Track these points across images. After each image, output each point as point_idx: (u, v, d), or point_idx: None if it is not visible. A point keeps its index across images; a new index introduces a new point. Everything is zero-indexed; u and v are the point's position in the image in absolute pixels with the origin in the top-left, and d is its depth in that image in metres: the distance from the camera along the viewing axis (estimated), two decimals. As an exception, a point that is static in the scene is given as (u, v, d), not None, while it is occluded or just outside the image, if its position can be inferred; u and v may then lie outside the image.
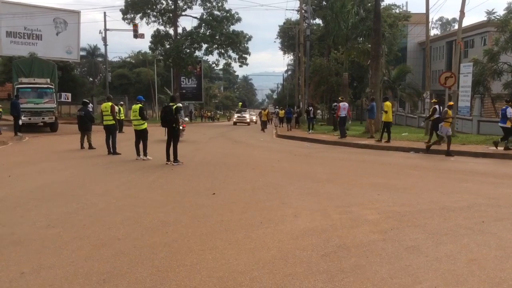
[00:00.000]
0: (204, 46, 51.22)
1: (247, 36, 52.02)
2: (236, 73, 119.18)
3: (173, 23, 50.66)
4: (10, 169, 10.88)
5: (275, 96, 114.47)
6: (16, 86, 24.57)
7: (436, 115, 16.94)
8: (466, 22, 32.88)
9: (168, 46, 50.02)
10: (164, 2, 49.84)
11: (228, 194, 7.99)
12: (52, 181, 9.40)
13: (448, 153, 14.48)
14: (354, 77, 44.86)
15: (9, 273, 4.19)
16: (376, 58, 23.79)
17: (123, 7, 48.27)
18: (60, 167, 11.61)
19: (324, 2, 48.90)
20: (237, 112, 54.04)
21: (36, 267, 4.35)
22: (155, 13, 50.27)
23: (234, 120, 50.90)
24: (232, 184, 9.08)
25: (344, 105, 21.94)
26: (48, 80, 26.37)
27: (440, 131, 15.03)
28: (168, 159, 12.12)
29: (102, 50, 50.26)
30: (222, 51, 51.94)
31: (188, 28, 51.25)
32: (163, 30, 51.08)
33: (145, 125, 13.19)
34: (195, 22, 50.78)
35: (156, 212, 6.55)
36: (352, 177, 10.26)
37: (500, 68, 31.15)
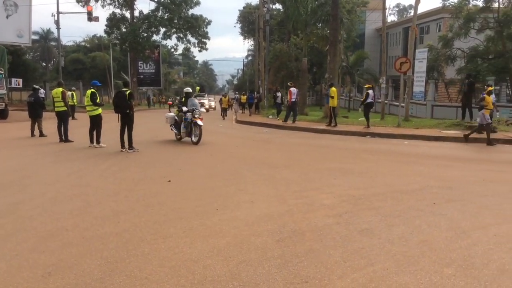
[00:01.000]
0: (162, 30, 50.35)
1: (207, 20, 51.41)
2: (196, 58, 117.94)
3: (130, 5, 49.37)
4: (-47, 159, 10.32)
5: (235, 81, 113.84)
6: (-38, 72, 23.36)
7: (369, 100, 18.19)
8: (422, 9, 33.73)
9: (124, 30, 48.79)
10: (120, -16, 48.48)
11: (184, 181, 7.85)
12: (-1, 170, 8.97)
13: (490, 142, 13.50)
14: (313, 62, 45.15)
15: None
16: (334, 44, 23.94)
17: (77, -11, 46.58)
18: (8, 155, 11.11)
19: (283, -13, 48.78)
20: (195, 98, 49.90)
21: (-24, 261, 4.12)
22: (110, -5, 48.82)
23: None
24: (189, 171, 8.94)
25: (294, 90, 22.71)
26: (-3, 65, 25.19)
27: (480, 120, 13.84)
28: (122, 146, 11.82)
29: (55, 34, 48.27)
30: (181, 35, 51.19)
31: (145, 11, 50.16)
32: (119, 13, 49.80)
33: (98, 111, 12.78)
34: (152, 5, 49.79)
35: (107, 201, 6.35)
36: (309, 162, 10.31)
37: (453, 54, 31.99)
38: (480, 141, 14.10)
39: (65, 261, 4.12)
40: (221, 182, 7.81)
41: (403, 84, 20.73)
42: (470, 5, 30.58)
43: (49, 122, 16.49)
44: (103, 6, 49.82)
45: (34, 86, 16.97)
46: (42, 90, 20.57)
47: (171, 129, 14.45)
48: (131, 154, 11.25)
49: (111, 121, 12.88)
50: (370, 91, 18.47)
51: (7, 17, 41.39)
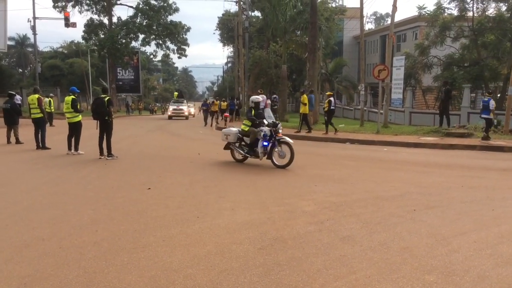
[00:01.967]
0: (141, 36, 50.00)
1: (186, 27, 51.29)
2: (175, 65, 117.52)
3: (108, 12, 48.94)
4: None
5: (215, 88, 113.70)
6: None
7: (332, 107, 18.82)
8: (399, 17, 34.27)
9: (102, 36, 48.27)
10: (97, -10, 48.03)
11: (164, 189, 7.76)
12: (-28, 178, 8.73)
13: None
14: (293, 69, 45.41)
15: None
16: (313, 51, 24.10)
17: (54, -6, 46.00)
18: (-17, 163, 10.83)
19: (262, -6, 49.01)
20: (173, 104, 43.78)
21: None
22: (88, 1, 48.38)
23: (169, 113, 41.77)
24: (169, 178, 8.83)
25: (262, 97, 22.88)
26: (-29, 70, 24.62)
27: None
28: (101, 153, 11.65)
29: (32, 39, 47.55)
30: (160, 42, 50.97)
31: (124, 18, 49.78)
32: (97, 19, 49.32)
33: (78, 118, 12.61)
34: (130, 12, 49.78)
35: (85, 210, 6.21)
36: (290, 168, 10.29)
37: (430, 61, 32.57)
38: (457, 147, 14.33)
39: (41, 272, 4.00)
40: (201, 189, 7.74)
41: (381, 91, 20.95)
42: (446, 14, 31.20)
43: (26, 129, 16.16)
44: (80, 12, 49.31)
45: (10, 92, 16.62)
46: (18, 97, 20.17)
47: (234, 148, 11.09)
48: (110, 161, 11.09)
49: (89, 128, 12.71)
50: (332, 99, 19.00)
51: (-18, 22, 40.59)
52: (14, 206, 6.44)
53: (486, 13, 30.15)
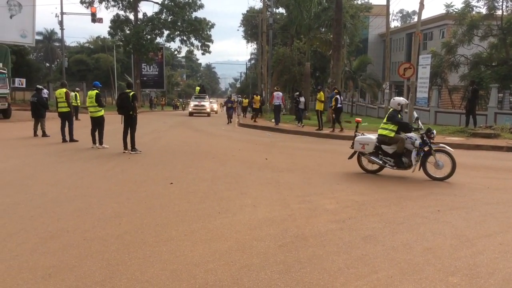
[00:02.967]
0: (166, 32, 50.40)
1: (210, 23, 51.44)
2: (199, 61, 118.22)
3: (134, 8, 49.41)
4: (-45, 157, 10.30)
5: (238, 85, 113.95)
6: (-34, 71, 23.34)
7: (339, 105, 18.84)
8: (426, 15, 33.70)
9: (128, 32, 48.78)
10: (124, -14, 48.56)
11: (186, 184, 7.81)
12: (1, 169, 8.93)
13: None
14: (316, 67, 45.13)
15: None
16: (338, 49, 23.92)
17: (81, -10, 46.70)
18: (11, 155, 11.08)
19: (287, -9, 48.83)
20: (195, 99, 40.28)
21: (-24, 261, 4.08)
22: (114, -3, 48.89)
23: (190, 109, 38.76)
24: (191, 174, 8.89)
25: (278, 94, 23.95)
26: (1, 64, 25.20)
27: None
28: (125, 147, 11.79)
29: (59, 34, 48.40)
30: (184, 38, 51.23)
31: (149, 14, 50.22)
32: (123, 15, 49.81)
33: (101, 113, 12.81)
34: (156, 8, 49.92)
35: (109, 203, 6.31)
36: (312, 166, 10.26)
37: (457, 60, 32.00)
38: (483, 148, 14.04)
39: (65, 263, 4.08)
40: (223, 185, 7.77)
41: (406, 89, 20.64)
42: (474, 12, 30.60)
43: (52, 123, 16.49)
44: (107, 8, 49.87)
45: (37, 86, 16.98)
46: (45, 91, 20.59)
47: (368, 158, 9.32)
48: (134, 156, 11.22)
49: (114, 122, 12.88)
50: (338, 96, 19.02)
51: (11, 17, 41.45)
52: (39, 198, 6.57)
53: (516, 12, 29.47)
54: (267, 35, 37.05)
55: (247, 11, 62.23)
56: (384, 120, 9.31)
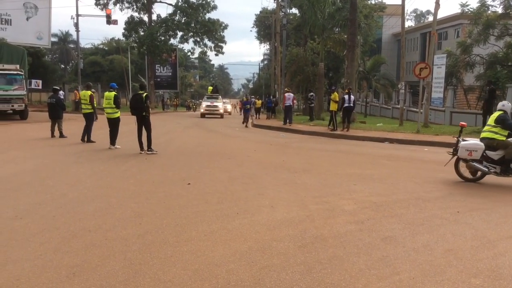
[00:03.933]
0: (179, 33, 50.74)
1: (223, 25, 51.68)
2: (211, 62, 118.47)
3: (148, 9, 49.83)
4: (-24, 158, 10.48)
5: (251, 85, 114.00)
6: (-16, 73, 23.67)
7: (346, 104, 19.05)
8: (440, 14, 33.44)
9: (142, 33, 49.23)
10: (138, -12, 48.99)
11: (203, 184, 7.85)
12: (21, 170, 9.07)
13: None
14: (330, 67, 44.99)
15: (-27, 268, 3.98)
16: (352, 49, 23.86)
17: (96, -8, 47.20)
18: (29, 156, 11.23)
19: (300, -8, 48.74)
20: (207, 100, 37.96)
21: (2, 260, 4.16)
22: (129, -1, 49.35)
23: (202, 110, 36.47)
24: (208, 174, 8.93)
25: (289, 95, 24.37)
26: (18, 66, 25.50)
27: None
28: (141, 148, 11.90)
29: (74, 36, 48.79)
30: (198, 39, 51.52)
31: (163, 15, 50.72)
32: (137, 17, 50.28)
33: (118, 114, 12.94)
34: (170, 9, 50.34)
35: (129, 203, 6.37)
36: (328, 167, 10.24)
37: (472, 60, 31.63)
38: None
39: (89, 262, 4.13)
40: (240, 186, 7.80)
41: (422, 90, 20.51)
42: (489, 12, 30.21)
43: (69, 123, 16.67)
44: (121, 10, 50.36)
45: (54, 87, 17.18)
46: (61, 92, 20.84)
47: (473, 166, 8.35)
48: (150, 156, 11.31)
49: (129, 123, 12.98)
50: (346, 96, 19.16)
51: (27, 19, 42.08)
52: (60, 198, 6.66)
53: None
54: (280, 36, 37.03)
55: (260, 12, 62.34)
56: (492, 123, 8.52)
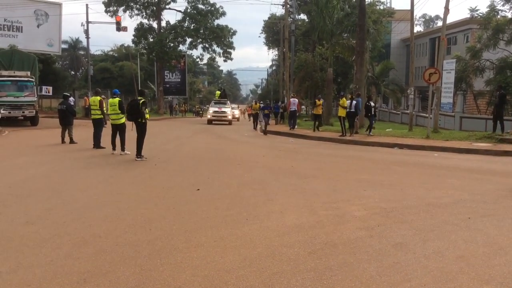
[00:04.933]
0: (188, 40, 51.04)
1: (232, 31, 51.83)
2: (220, 68, 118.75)
3: (157, 16, 50.20)
4: (-12, 164, 10.58)
5: (259, 91, 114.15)
6: (-5, 79, 23.95)
7: (352, 109, 19.28)
8: (450, 19, 33.18)
9: (151, 40, 49.60)
10: (147, -5, 49.39)
11: (213, 190, 7.86)
12: (31, 176, 9.15)
13: None
14: (338, 72, 44.92)
15: (-15, 273, 4.01)
16: (361, 54, 23.82)
17: (106, 0, 47.60)
18: (40, 161, 11.33)
19: (309, -3, 48.80)
20: (214, 105, 35.79)
21: (13, 266, 4.19)
22: (138, 6, 49.76)
23: (209, 116, 34.52)
24: (217, 180, 8.95)
25: (294, 100, 25.19)
26: (29, 73, 25.81)
27: None
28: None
29: (84, 43, 49.56)
30: (207, 45, 51.74)
31: (172, 22, 51.05)
32: (146, 24, 50.68)
33: (123, 120, 13.01)
34: (179, 16, 50.58)
35: (139, 209, 6.40)
36: (338, 173, 10.22)
37: (482, 65, 31.49)
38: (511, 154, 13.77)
39: (99, 268, 4.15)
40: (249, 191, 7.80)
41: (431, 95, 20.40)
42: (499, 16, 30.11)
43: (79, 129, 16.78)
44: (131, 17, 50.86)
45: (65, 93, 17.34)
46: (71, 98, 20.99)
47: None
48: (160, 162, 11.34)
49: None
50: (354, 101, 19.30)
51: (38, 26, 42.63)
52: (71, 204, 6.70)
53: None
54: (289, 41, 37.10)
55: (268, 18, 62.42)
56: None
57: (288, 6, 37.02)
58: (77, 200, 6.96)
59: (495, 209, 6.72)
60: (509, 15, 29.62)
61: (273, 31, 61.66)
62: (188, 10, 49.31)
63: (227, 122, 33.84)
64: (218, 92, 41.60)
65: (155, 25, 50.76)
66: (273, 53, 76.74)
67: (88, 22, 39.90)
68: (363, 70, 25.04)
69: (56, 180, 8.74)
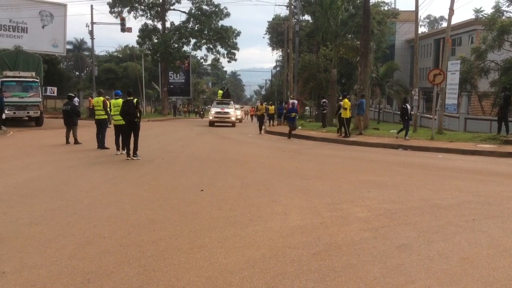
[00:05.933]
0: (193, 41, 51.12)
1: (236, 32, 51.89)
2: (224, 69, 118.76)
3: (161, 17, 50.31)
4: (-7, 164, 10.62)
5: (263, 92, 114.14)
6: (0, 80, 24.06)
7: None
8: (454, 20, 33.13)
9: (156, 41, 49.70)
10: (152, -5, 49.53)
11: (216, 191, 7.87)
12: (36, 176, 9.19)
13: None
14: (342, 73, 44.85)
15: (-10, 273, 4.03)
16: (365, 55, 23.77)
17: (111, 1, 47.76)
18: (45, 162, 11.38)
19: (313, -2, 48.78)
20: (216, 105, 34.00)
21: (18, 266, 4.21)
22: (143, 7, 49.90)
23: (211, 118, 32.51)
24: (221, 181, 8.96)
25: (293, 101, 25.32)
26: (34, 73, 25.92)
27: None
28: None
29: (89, 43, 49.57)
30: (211, 46, 51.79)
31: (177, 23, 51.18)
32: (151, 24, 50.79)
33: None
34: (183, 17, 50.95)
35: (143, 209, 6.41)
36: (341, 174, 10.21)
37: (487, 66, 31.34)
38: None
39: (103, 268, 4.16)
40: (253, 192, 7.80)
41: (436, 96, 20.35)
42: (504, 17, 29.95)
43: (84, 130, 16.83)
44: (135, 17, 50.91)
45: (69, 94, 17.40)
46: (76, 99, 21.09)
47: None
48: (164, 163, 11.37)
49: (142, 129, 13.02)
50: (341, 103, 19.69)
51: (43, 27, 42.82)
52: (75, 204, 6.72)
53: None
54: (293, 42, 37.06)
55: (273, 18, 62.39)
56: None
57: (292, 7, 37.00)
58: (81, 200, 6.98)
59: (499, 210, 6.70)
60: (514, 16, 29.52)
61: (277, 32, 61.65)
62: (193, 11, 49.45)
63: (230, 124, 32.54)
64: (220, 92, 40.08)
65: (159, 26, 50.89)
66: (277, 54, 76.94)
67: (92, 23, 40.03)
68: (367, 71, 24.98)
69: (60, 180, 8.77)
